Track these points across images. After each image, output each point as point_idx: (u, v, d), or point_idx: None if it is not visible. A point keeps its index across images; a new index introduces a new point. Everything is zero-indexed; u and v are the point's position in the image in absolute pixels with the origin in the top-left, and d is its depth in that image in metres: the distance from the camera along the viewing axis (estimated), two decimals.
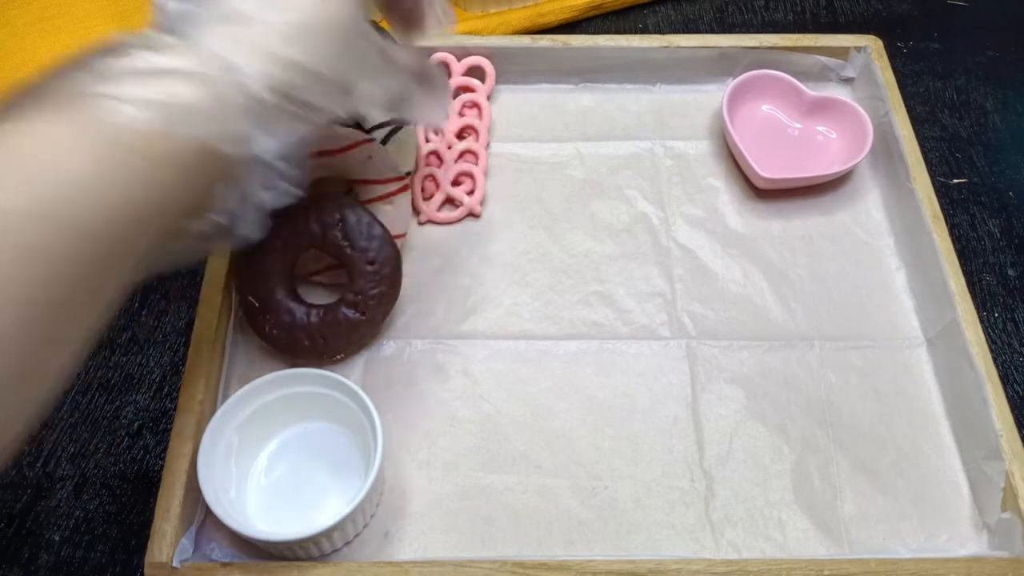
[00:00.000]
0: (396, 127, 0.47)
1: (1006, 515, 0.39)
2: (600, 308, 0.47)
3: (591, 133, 0.54)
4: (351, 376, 0.43)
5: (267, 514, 0.40)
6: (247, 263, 0.43)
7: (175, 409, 0.41)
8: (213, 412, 0.40)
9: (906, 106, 0.52)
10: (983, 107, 0.58)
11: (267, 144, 0.31)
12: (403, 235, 0.47)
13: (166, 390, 0.46)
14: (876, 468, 0.42)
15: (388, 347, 0.45)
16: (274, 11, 0.31)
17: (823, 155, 0.52)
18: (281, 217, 0.43)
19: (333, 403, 0.41)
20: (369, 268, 0.43)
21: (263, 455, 0.42)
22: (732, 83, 0.53)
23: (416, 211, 0.50)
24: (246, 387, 0.40)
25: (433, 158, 0.51)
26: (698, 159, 0.53)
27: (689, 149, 0.53)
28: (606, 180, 0.52)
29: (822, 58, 0.55)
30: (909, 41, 0.61)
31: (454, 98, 0.53)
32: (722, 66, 0.55)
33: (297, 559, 0.38)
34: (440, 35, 0.54)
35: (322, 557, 0.39)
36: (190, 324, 0.44)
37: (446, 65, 0.54)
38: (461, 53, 0.54)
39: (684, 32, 0.59)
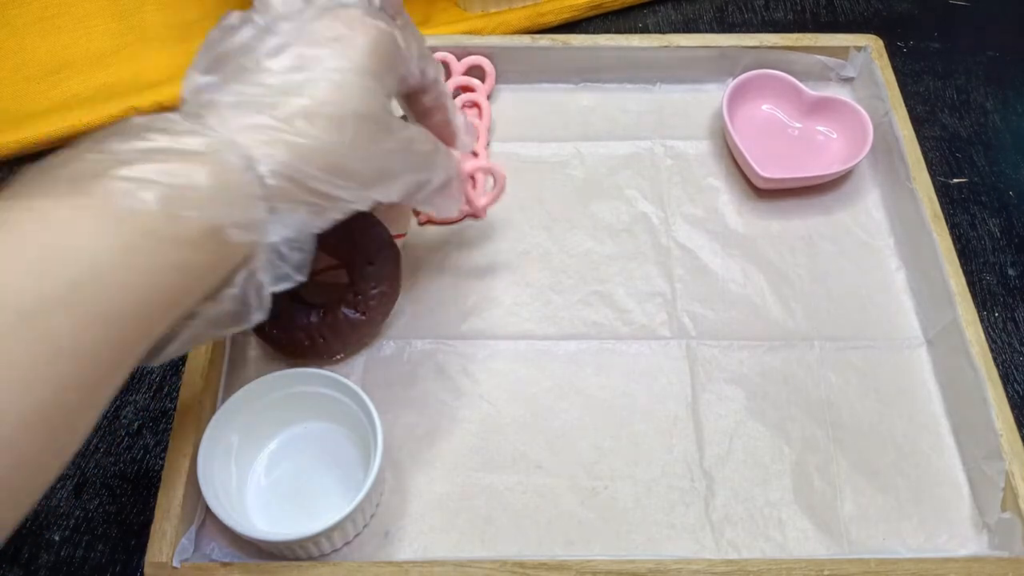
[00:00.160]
0: None
1: (1006, 515, 0.39)
2: (600, 308, 0.47)
3: (591, 133, 0.54)
4: (351, 376, 0.43)
5: (267, 514, 0.40)
6: None
7: (175, 409, 0.41)
8: (213, 412, 0.40)
9: (906, 106, 0.52)
10: (983, 107, 0.58)
11: (279, 232, 0.31)
12: (403, 235, 0.47)
13: (166, 390, 0.46)
14: (876, 468, 0.42)
15: (388, 347, 0.45)
16: (292, 97, 0.31)
17: (823, 155, 0.52)
18: None
19: (333, 403, 0.41)
20: (369, 268, 0.43)
21: (263, 455, 0.42)
22: (732, 83, 0.53)
23: (416, 211, 0.50)
24: (246, 387, 0.40)
25: None
26: (698, 159, 0.53)
27: (689, 149, 0.53)
28: (606, 180, 0.52)
29: (822, 58, 0.55)
30: (909, 41, 0.61)
31: (454, 98, 0.53)
32: (722, 66, 0.55)
33: (297, 559, 0.38)
34: (440, 34, 0.54)
35: (322, 557, 0.39)
36: None
37: (446, 65, 0.54)
38: (461, 53, 0.54)
39: (684, 32, 0.59)
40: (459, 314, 0.47)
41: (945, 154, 0.55)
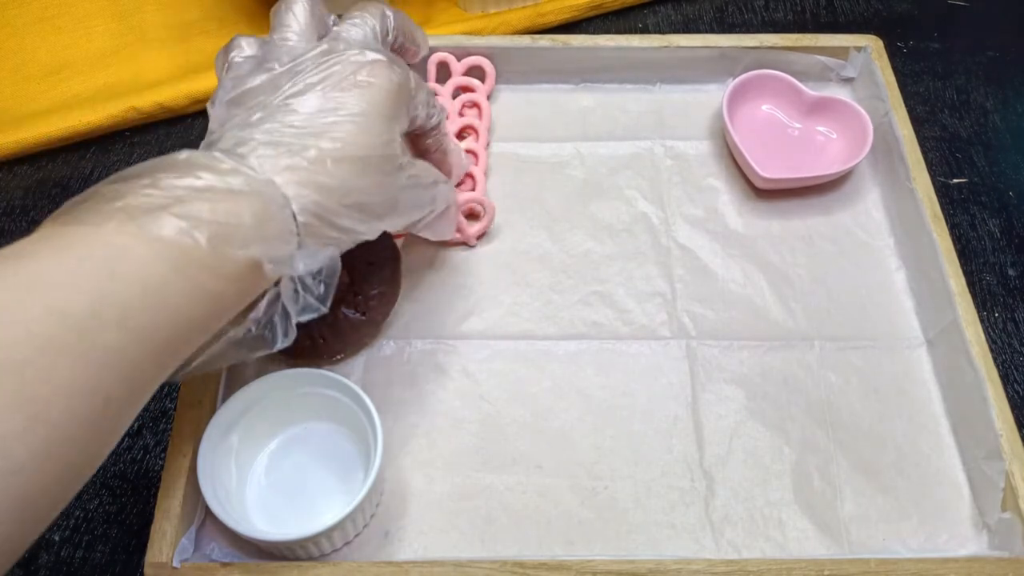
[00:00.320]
0: None
1: (1006, 515, 0.39)
2: (600, 308, 0.47)
3: (591, 133, 0.54)
4: (351, 376, 0.43)
5: (267, 514, 0.40)
6: None
7: (175, 409, 0.41)
8: (213, 412, 0.40)
9: (906, 106, 0.52)
10: (983, 107, 0.58)
11: (304, 264, 0.33)
12: (403, 235, 0.47)
13: (166, 390, 0.46)
14: (876, 468, 0.42)
15: (388, 347, 0.45)
16: (321, 140, 0.33)
17: (823, 155, 0.52)
18: None
19: (333, 403, 0.41)
20: (370, 268, 0.43)
21: (263, 455, 0.42)
22: (732, 83, 0.53)
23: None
24: (246, 387, 0.40)
25: None
26: (698, 159, 0.53)
27: (689, 149, 0.53)
28: (606, 180, 0.52)
29: (822, 58, 0.55)
30: (909, 41, 0.61)
31: (454, 98, 0.53)
32: (722, 66, 0.55)
33: (297, 559, 0.38)
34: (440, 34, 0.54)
35: (322, 557, 0.39)
36: None
37: (446, 65, 0.54)
38: (461, 53, 0.54)
39: (684, 32, 0.59)
40: (459, 314, 0.47)
41: (945, 154, 0.55)
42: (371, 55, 0.36)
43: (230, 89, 0.35)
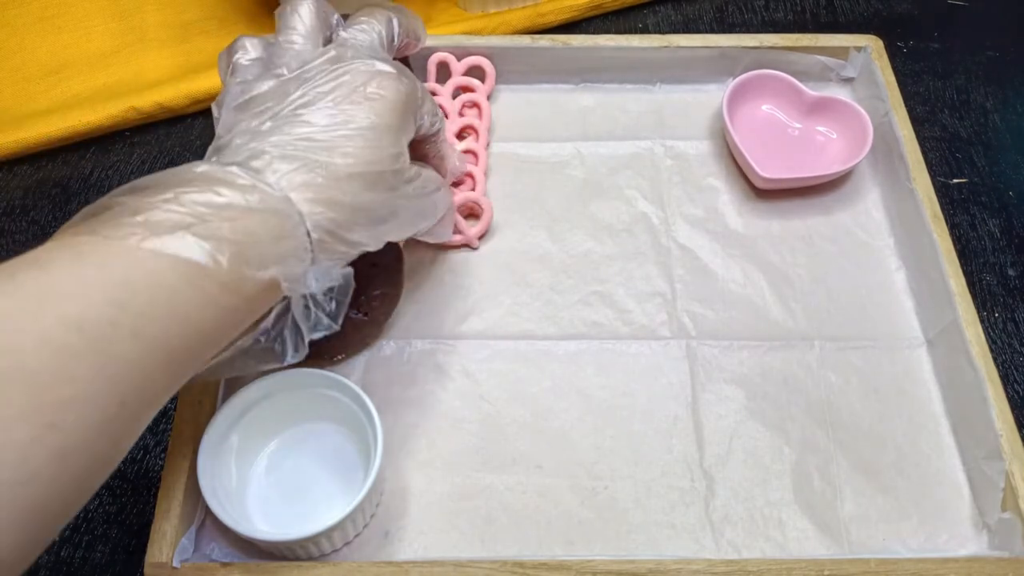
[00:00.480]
0: None
1: (1006, 515, 0.39)
2: (600, 308, 0.47)
3: (591, 133, 0.54)
4: (351, 376, 0.43)
5: (267, 514, 0.40)
6: None
7: (175, 409, 0.41)
8: (213, 412, 0.40)
9: (906, 106, 0.52)
10: (983, 107, 0.58)
11: (314, 279, 0.33)
12: None
13: None
14: (876, 468, 0.42)
15: (388, 347, 0.45)
16: (334, 155, 0.33)
17: (823, 155, 0.52)
18: None
19: (333, 403, 0.41)
20: (372, 269, 0.43)
21: (263, 455, 0.42)
22: (732, 83, 0.53)
23: None
24: (246, 387, 0.40)
25: None
26: (698, 159, 0.53)
27: (689, 149, 0.53)
28: (606, 180, 0.52)
29: (822, 58, 0.55)
30: (909, 41, 0.61)
31: (454, 98, 0.53)
32: (722, 66, 0.55)
33: (297, 559, 0.38)
34: (439, 34, 0.54)
35: (322, 557, 0.39)
36: None
37: (446, 65, 0.54)
38: (461, 53, 0.54)
39: (684, 32, 0.59)
40: (459, 314, 0.47)
41: (945, 154, 0.55)
42: (380, 66, 0.36)
43: (238, 94, 0.35)
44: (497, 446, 0.42)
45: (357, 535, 0.40)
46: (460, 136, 0.53)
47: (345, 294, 0.35)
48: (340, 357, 0.44)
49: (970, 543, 0.40)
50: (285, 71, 0.36)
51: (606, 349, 0.46)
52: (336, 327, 0.35)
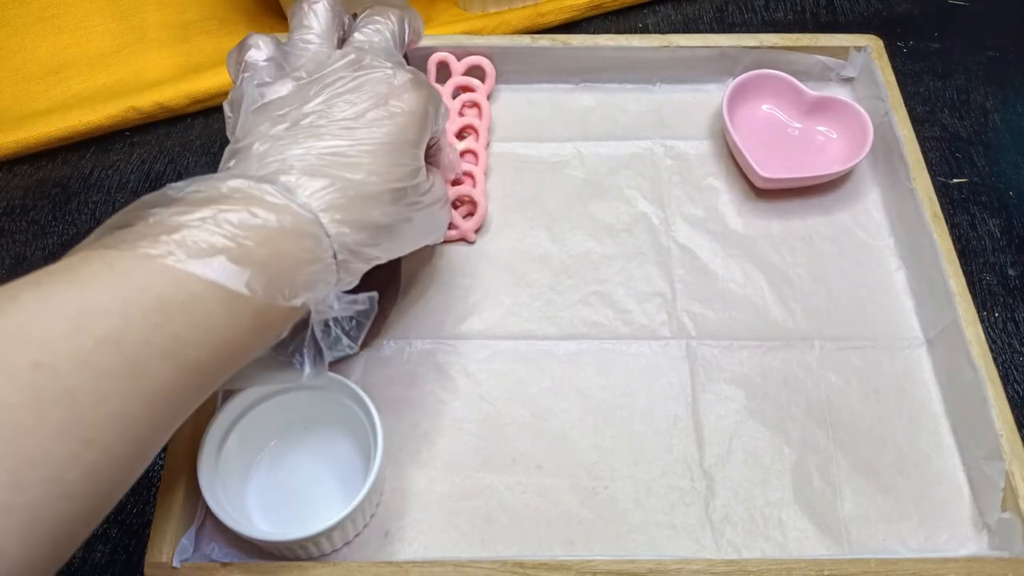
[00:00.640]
0: None
1: (1006, 515, 0.39)
2: (600, 308, 0.47)
3: (591, 133, 0.54)
4: (351, 376, 0.43)
5: (267, 514, 0.40)
6: None
7: None
8: (213, 412, 0.40)
9: (906, 106, 0.52)
10: (983, 107, 0.58)
11: (340, 306, 0.34)
12: None
13: None
14: (876, 468, 0.42)
15: (388, 347, 0.45)
16: (358, 173, 0.33)
17: (823, 155, 0.52)
18: None
19: (333, 403, 0.41)
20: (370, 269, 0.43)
21: (263, 455, 0.42)
22: (732, 83, 0.53)
23: None
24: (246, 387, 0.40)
25: None
26: (698, 159, 0.53)
27: (689, 149, 0.53)
28: (606, 180, 0.52)
29: (822, 58, 0.55)
30: (909, 41, 0.61)
31: (454, 98, 0.53)
32: (722, 66, 0.55)
33: (297, 559, 0.38)
34: (439, 34, 0.54)
35: (322, 557, 0.39)
36: None
37: (446, 65, 0.54)
38: (461, 53, 0.54)
39: (684, 32, 0.59)
40: (459, 314, 0.47)
41: (945, 154, 0.55)
42: (401, 75, 0.36)
43: (256, 97, 0.35)
44: (497, 446, 0.42)
45: (357, 535, 0.40)
46: (460, 136, 0.53)
47: (368, 317, 0.35)
48: None
49: (970, 543, 0.40)
50: (303, 74, 0.35)
51: (606, 349, 0.46)
52: (355, 349, 0.35)
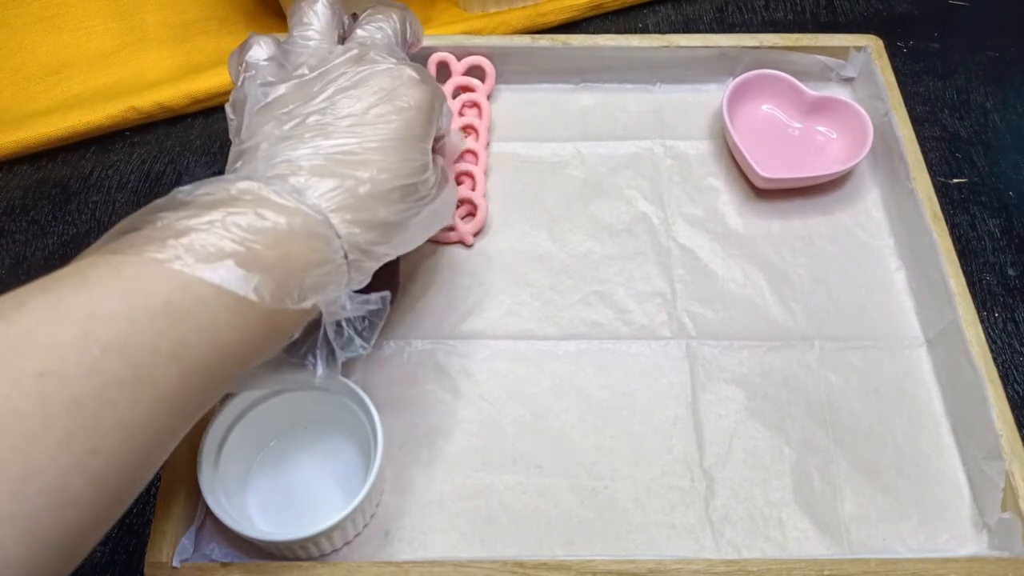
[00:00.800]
0: None
1: (1006, 515, 0.39)
2: (600, 308, 0.47)
3: (591, 133, 0.54)
4: (351, 376, 0.43)
5: (267, 514, 0.40)
6: None
7: None
8: (213, 412, 0.40)
9: (906, 106, 0.52)
10: (983, 107, 0.58)
11: (352, 307, 0.33)
12: None
13: None
14: (876, 468, 0.42)
15: (388, 347, 0.45)
16: (367, 170, 0.33)
17: (823, 155, 0.52)
18: None
19: (333, 403, 0.41)
20: None
21: (263, 455, 0.42)
22: (732, 83, 0.53)
23: None
24: None
25: None
26: (698, 159, 0.53)
27: (689, 149, 0.53)
28: (606, 180, 0.52)
29: (822, 58, 0.55)
30: (909, 41, 0.61)
31: (454, 98, 0.53)
32: (722, 66, 0.55)
33: (297, 559, 0.38)
34: (440, 34, 0.54)
35: (322, 557, 0.39)
36: None
37: (446, 65, 0.54)
38: (461, 53, 0.54)
39: (684, 32, 0.59)
40: (459, 314, 0.47)
41: (945, 154, 0.55)
42: (405, 70, 0.35)
43: (260, 97, 0.35)
44: (497, 446, 0.42)
45: (357, 535, 0.40)
46: None
47: (380, 317, 0.34)
48: None
49: (970, 543, 0.40)
50: (305, 70, 0.35)
51: (606, 349, 0.46)
52: (368, 349, 0.34)
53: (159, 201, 0.31)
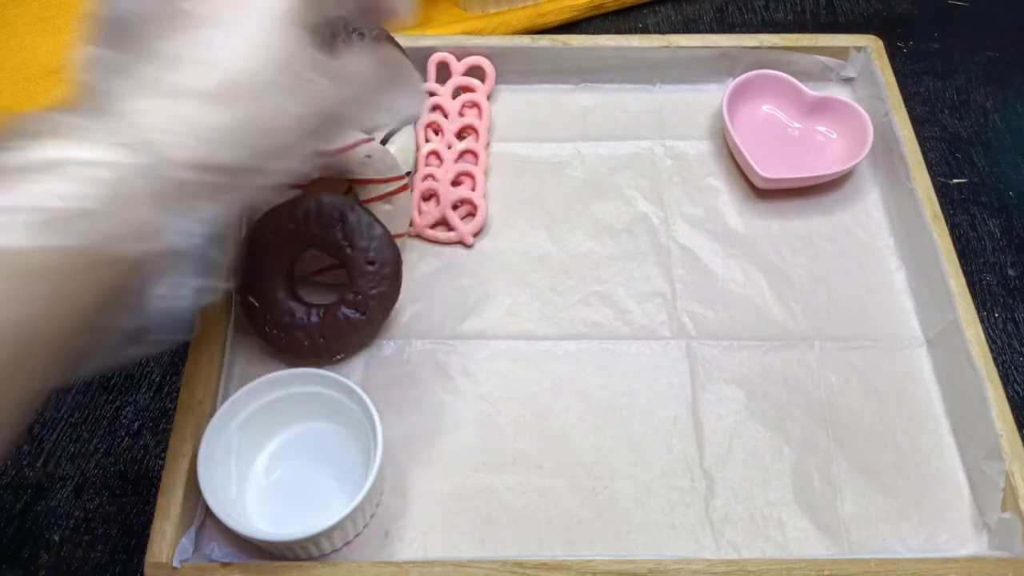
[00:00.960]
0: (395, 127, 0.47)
1: (1006, 515, 0.39)
2: (600, 308, 0.47)
3: (591, 133, 0.54)
4: (351, 376, 0.43)
5: (267, 514, 0.40)
6: (247, 263, 0.43)
7: (175, 409, 0.41)
8: (213, 412, 0.40)
9: (906, 106, 0.52)
10: (983, 107, 0.58)
11: (187, 231, 0.27)
12: (403, 234, 0.47)
13: (166, 390, 0.46)
14: (876, 468, 0.42)
15: (388, 347, 0.45)
16: (202, 69, 0.27)
17: (823, 155, 0.52)
18: (281, 216, 0.43)
19: (333, 403, 0.41)
20: (369, 268, 0.43)
21: (263, 455, 0.42)
22: (732, 83, 0.53)
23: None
24: (246, 387, 0.40)
25: (433, 158, 0.51)
26: (698, 159, 0.53)
27: (689, 149, 0.53)
28: (606, 180, 0.52)
29: (822, 58, 0.55)
30: (909, 41, 0.61)
31: (454, 98, 0.53)
32: (722, 66, 0.55)
33: (297, 559, 0.38)
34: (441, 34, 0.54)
35: (322, 557, 0.39)
36: None
37: (446, 65, 0.54)
38: (461, 53, 0.54)
39: (684, 32, 0.59)
40: (459, 314, 0.47)
41: (945, 154, 0.55)
42: None
43: (105, 18, 0.30)
44: (497, 446, 0.42)
45: (357, 535, 0.40)
46: (460, 136, 0.53)
47: (224, 242, 0.29)
48: (340, 357, 0.44)
49: (970, 543, 0.40)
50: None
51: (606, 349, 0.46)
52: (223, 287, 0.29)
53: None
